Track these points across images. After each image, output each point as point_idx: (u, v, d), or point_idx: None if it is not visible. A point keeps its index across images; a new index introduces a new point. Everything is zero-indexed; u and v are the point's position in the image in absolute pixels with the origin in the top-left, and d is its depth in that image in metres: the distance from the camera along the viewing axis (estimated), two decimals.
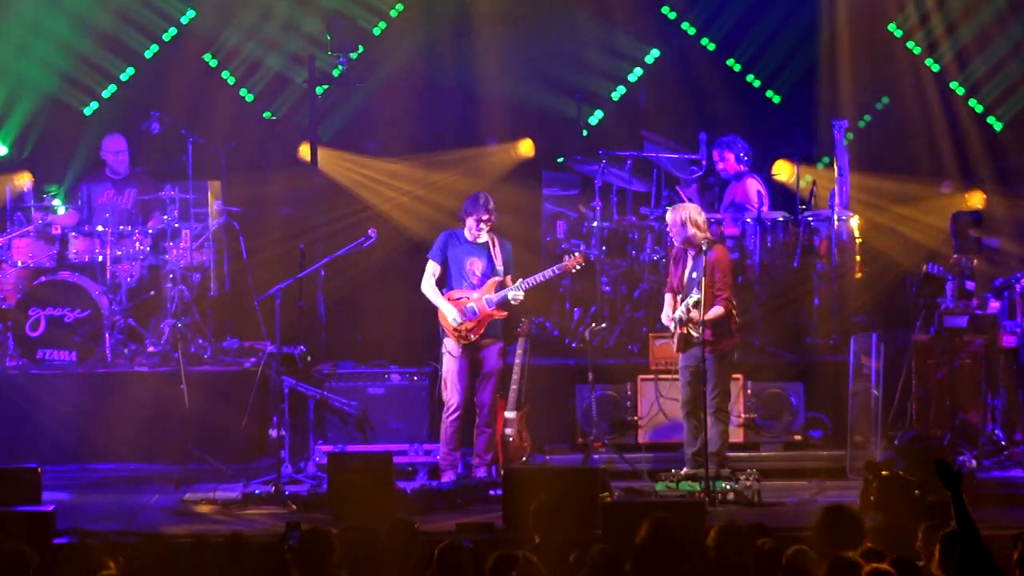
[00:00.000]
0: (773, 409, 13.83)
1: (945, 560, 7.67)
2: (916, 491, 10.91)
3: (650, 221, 15.13)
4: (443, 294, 12.98)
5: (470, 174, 16.52)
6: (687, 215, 12.47)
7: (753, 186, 15.13)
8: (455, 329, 12.91)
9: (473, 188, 15.61)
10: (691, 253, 12.50)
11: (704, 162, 15.39)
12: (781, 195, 15.69)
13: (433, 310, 13.05)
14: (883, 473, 11.01)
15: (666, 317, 12.63)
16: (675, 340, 12.53)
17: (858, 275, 14.87)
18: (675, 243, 12.63)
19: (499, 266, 12.99)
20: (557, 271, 13.16)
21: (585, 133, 16.70)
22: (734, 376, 13.43)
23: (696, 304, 12.22)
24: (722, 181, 15.38)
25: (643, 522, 8.40)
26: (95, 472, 13.76)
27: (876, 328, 14.01)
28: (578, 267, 13.30)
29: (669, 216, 12.61)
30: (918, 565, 7.68)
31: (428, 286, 13.03)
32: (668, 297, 12.68)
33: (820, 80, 16.54)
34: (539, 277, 13.03)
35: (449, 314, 12.88)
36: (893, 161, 16.42)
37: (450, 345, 12.98)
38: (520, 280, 12.98)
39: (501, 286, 12.99)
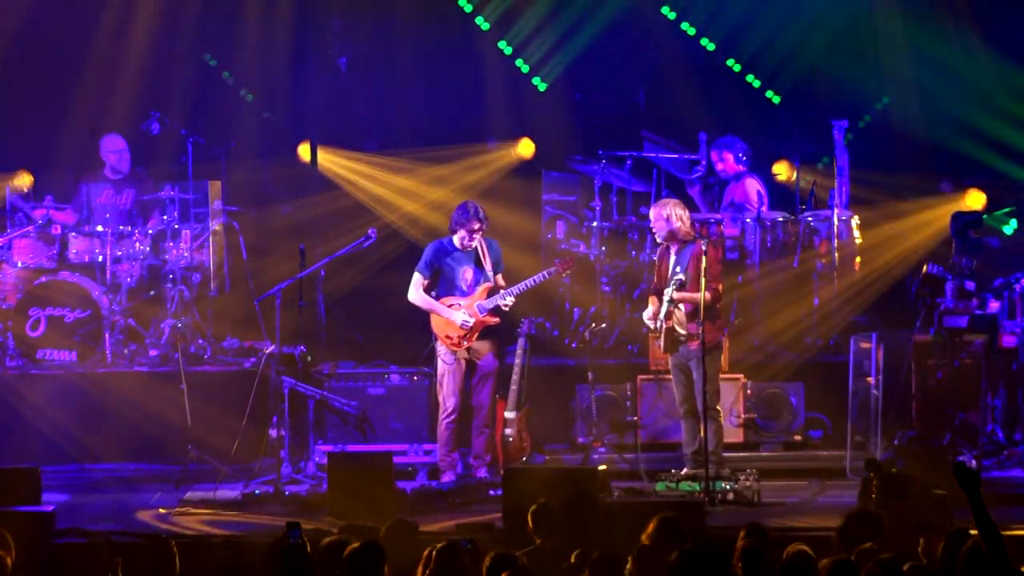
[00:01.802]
0: (773, 409, 13.83)
1: (946, 560, 7.68)
2: (919, 489, 10.88)
3: (650, 221, 15.12)
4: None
5: (470, 174, 16.53)
6: (671, 209, 12.50)
7: (753, 186, 15.13)
8: (447, 336, 12.92)
9: (473, 188, 15.66)
10: (674, 248, 12.50)
11: (704, 162, 15.39)
12: (781, 195, 15.69)
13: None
14: (884, 472, 10.97)
15: (648, 316, 12.56)
16: (662, 340, 12.50)
17: (858, 275, 14.87)
18: (658, 239, 12.62)
19: (489, 271, 12.98)
20: (546, 276, 13.13)
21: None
22: (734, 376, 13.44)
23: (680, 286, 12.22)
24: (722, 181, 15.38)
25: (649, 521, 8.42)
26: (95, 472, 13.76)
27: (876, 328, 14.01)
28: (568, 272, 13.28)
29: (652, 212, 12.63)
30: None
31: (417, 295, 13.00)
32: (652, 299, 12.64)
33: (820, 80, 16.56)
34: (529, 283, 13.01)
35: (456, 317, 12.87)
36: (893, 161, 16.42)
37: (443, 351, 12.98)
38: (511, 287, 12.96)
39: (492, 291, 12.98)
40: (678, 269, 12.39)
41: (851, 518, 8.55)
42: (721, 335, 12.57)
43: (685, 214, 12.52)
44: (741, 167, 15.20)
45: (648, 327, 12.70)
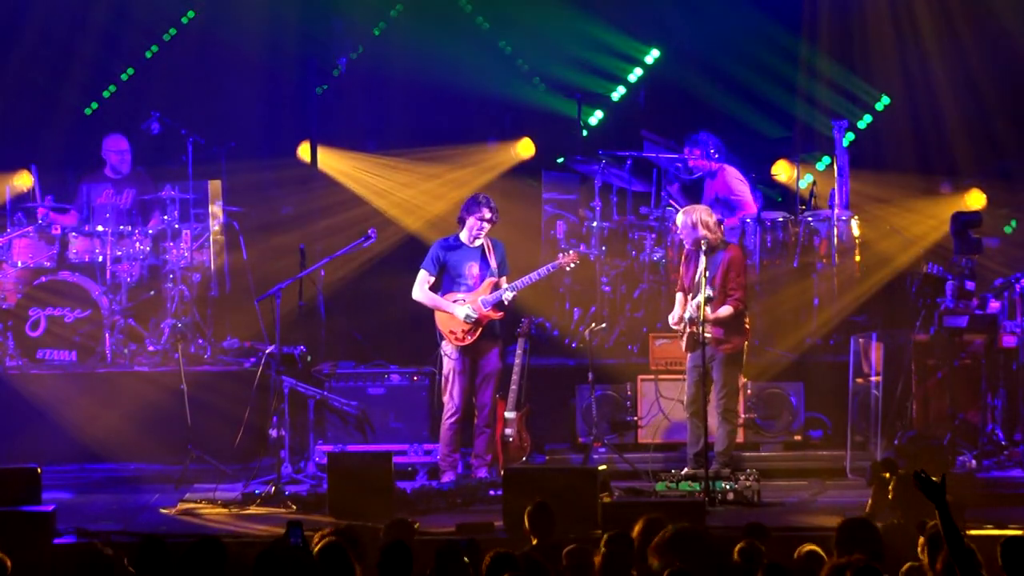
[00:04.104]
0: (773, 409, 13.83)
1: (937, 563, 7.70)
2: None
3: (650, 221, 15.13)
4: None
5: (470, 174, 16.52)
6: (697, 217, 12.51)
7: (731, 175, 15.08)
8: (452, 331, 12.91)
9: (473, 188, 15.64)
10: (702, 253, 12.50)
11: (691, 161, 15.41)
12: (781, 195, 15.69)
13: (432, 310, 13.04)
14: (900, 472, 10.96)
15: (673, 318, 12.62)
16: (684, 340, 12.54)
17: (858, 275, 14.87)
18: (686, 245, 12.66)
19: (494, 267, 12.98)
20: (551, 269, 13.13)
21: (585, 133, 16.70)
22: None
23: (705, 302, 12.23)
24: (698, 178, 15.32)
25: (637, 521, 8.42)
26: (95, 472, 13.77)
27: (876, 328, 14.01)
28: (572, 265, 13.27)
29: (680, 219, 12.67)
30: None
31: (422, 292, 13.00)
32: (679, 297, 12.72)
33: (820, 80, 16.55)
34: (533, 276, 13.02)
35: (459, 312, 12.86)
36: (893, 161, 16.41)
37: (448, 348, 12.97)
38: (515, 281, 12.96)
39: (496, 287, 12.98)
40: (707, 275, 12.35)
41: (847, 526, 8.50)
42: (745, 341, 12.60)
43: (712, 220, 12.54)
44: (712, 164, 15.14)
45: (672, 323, 12.68)
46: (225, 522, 11.91)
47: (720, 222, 12.91)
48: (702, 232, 12.46)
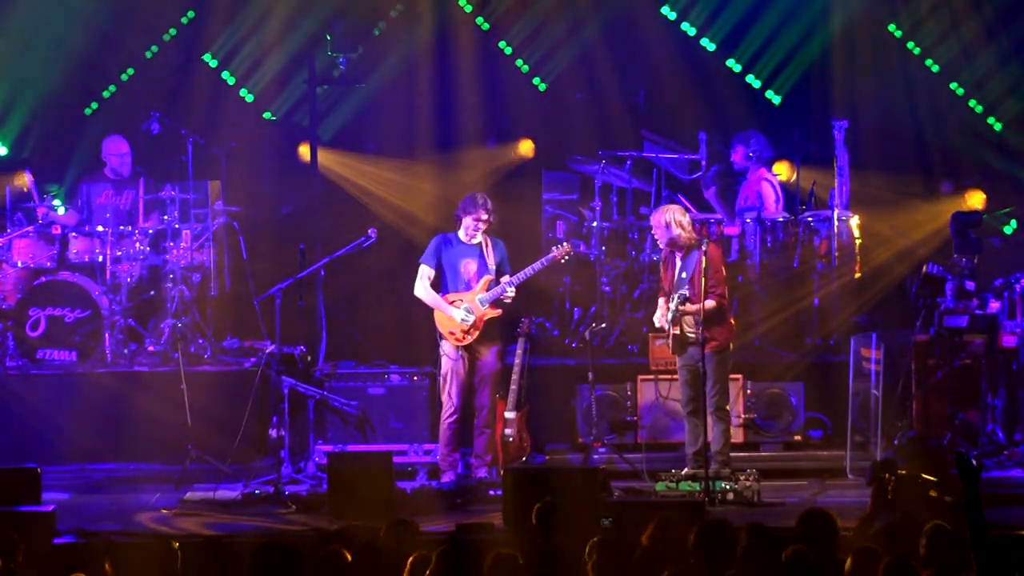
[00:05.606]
0: (773, 409, 13.83)
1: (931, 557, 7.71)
2: (932, 491, 10.88)
3: (650, 221, 15.12)
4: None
5: (470, 174, 16.52)
6: (671, 216, 12.47)
7: (764, 183, 15.06)
8: (451, 332, 12.91)
9: (473, 188, 15.64)
10: (678, 254, 12.49)
11: (704, 162, 15.39)
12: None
13: (432, 309, 13.04)
14: (900, 472, 10.99)
15: (657, 319, 12.60)
16: (670, 342, 12.51)
17: (858, 275, 14.87)
18: (660, 245, 12.63)
19: (492, 266, 12.98)
20: (545, 263, 13.11)
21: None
22: (733, 376, 13.43)
23: (684, 301, 12.22)
24: (736, 177, 15.31)
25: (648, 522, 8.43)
26: (95, 472, 13.76)
27: (876, 328, 14.02)
28: (566, 257, 13.25)
29: (652, 218, 12.62)
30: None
31: (422, 289, 13.01)
32: (661, 301, 12.67)
33: (820, 80, 16.55)
34: (528, 271, 13.01)
35: (456, 315, 12.87)
36: (892, 161, 16.41)
37: (447, 348, 12.97)
38: (511, 276, 12.97)
39: (492, 284, 12.98)
40: (683, 275, 12.36)
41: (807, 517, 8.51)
42: (730, 337, 12.58)
43: (685, 219, 12.50)
44: (747, 163, 15.13)
45: (657, 325, 12.68)
46: (225, 522, 11.90)
47: (694, 222, 12.91)
48: (676, 231, 12.42)
